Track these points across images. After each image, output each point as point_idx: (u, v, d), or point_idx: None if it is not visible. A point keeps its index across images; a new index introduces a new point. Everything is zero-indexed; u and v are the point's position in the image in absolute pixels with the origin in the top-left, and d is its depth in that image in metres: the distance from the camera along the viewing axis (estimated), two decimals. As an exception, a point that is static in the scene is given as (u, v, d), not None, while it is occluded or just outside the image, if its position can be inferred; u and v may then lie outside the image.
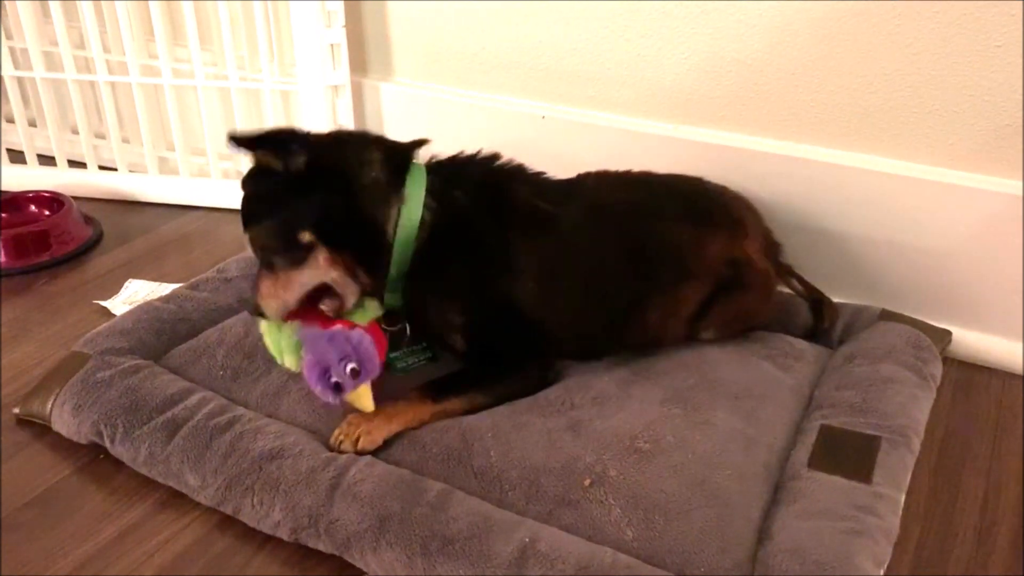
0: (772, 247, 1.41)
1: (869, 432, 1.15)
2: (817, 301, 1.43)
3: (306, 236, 1.15)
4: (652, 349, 1.33)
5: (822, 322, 1.41)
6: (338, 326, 1.16)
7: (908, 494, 1.09)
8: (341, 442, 1.12)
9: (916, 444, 1.16)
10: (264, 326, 1.23)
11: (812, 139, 1.48)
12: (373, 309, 1.23)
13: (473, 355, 1.26)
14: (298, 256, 1.16)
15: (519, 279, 1.23)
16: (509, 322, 1.25)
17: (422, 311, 1.27)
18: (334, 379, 1.10)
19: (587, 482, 1.07)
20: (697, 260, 1.31)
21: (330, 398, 1.11)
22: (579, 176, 1.38)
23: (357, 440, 1.12)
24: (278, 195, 1.16)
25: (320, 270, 1.17)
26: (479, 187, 1.26)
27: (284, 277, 1.16)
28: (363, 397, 1.15)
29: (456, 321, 1.25)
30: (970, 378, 1.39)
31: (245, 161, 1.21)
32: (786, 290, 1.44)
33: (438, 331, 1.28)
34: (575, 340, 1.30)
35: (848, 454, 1.11)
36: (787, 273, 1.43)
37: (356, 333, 1.14)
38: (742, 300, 1.34)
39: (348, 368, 1.10)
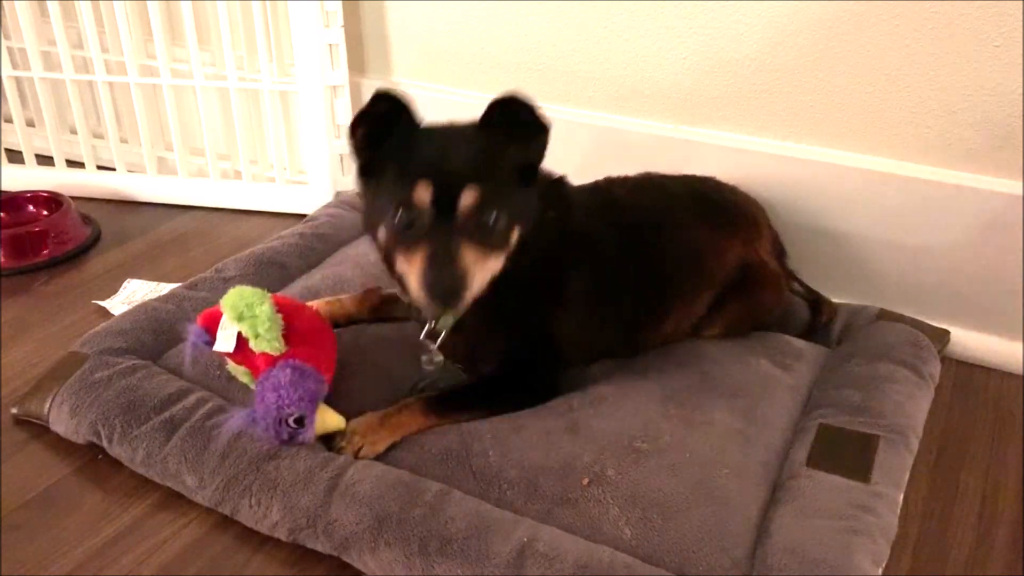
0: (779, 250, 1.42)
1: (867, 431, 1.15)
2: (816, 301, 1.45)
3: (516, 232, 1.08)
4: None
5: (820, 316, 1.42)
6: (262, 371, 1.12)
7: (906, 493, 1.09)
8: (342, 448, 1.12)
9: (914, 443, 1.16)
10: (232, 368, 1.22)
11: (812, 139, 1.48)
12: (265, 340, 1.13)
13: (488, 372, 1.23)
14: (501, 238, 1.06)
15: (567, 310, 1.21)
16: (544, 349, 1.22)
17: (463, 335, 1.20)
18: (286, 436, 1.08)
19: (585, 481, 1.07)
20: (716, 267, 1.31)
21: (304, 440, 1.09)
22: (605, 184, 1.35)
23: (359, 449, 1.11)
24: (509, 178, 1.07)
25: (505, 256, 1.08)
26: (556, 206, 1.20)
27: (484, 250, 1.04)
28: (328, 422, 1.12)
29: (497, 348, 1.21)
30: (969, 378, 1.39)
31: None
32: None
33: (472, 355, 1.23)
34: (592, 353, 1.30)
35: (846, 453, 1.11)
36: (790, 277, 1.44)
37: (273, 377, 1.09)
38: (753, 299, 1.34)
39: (292, 421, 1.07)
